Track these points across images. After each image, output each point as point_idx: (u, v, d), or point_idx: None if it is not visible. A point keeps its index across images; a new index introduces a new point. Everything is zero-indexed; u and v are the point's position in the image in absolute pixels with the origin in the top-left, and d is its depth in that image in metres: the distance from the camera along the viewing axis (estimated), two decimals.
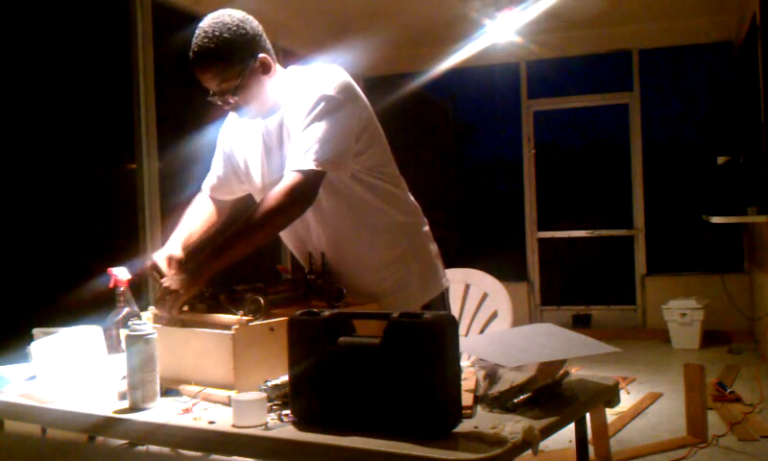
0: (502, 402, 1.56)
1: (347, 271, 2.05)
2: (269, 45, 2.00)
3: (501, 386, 1.63)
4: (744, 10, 6.10)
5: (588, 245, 7.87)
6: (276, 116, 2.02)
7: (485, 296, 2.69)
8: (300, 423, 1.50)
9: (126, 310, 1.96)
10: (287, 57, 6.10)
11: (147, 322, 1.78)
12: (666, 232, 7.50)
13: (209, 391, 1.71)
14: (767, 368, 5.44)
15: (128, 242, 4.66)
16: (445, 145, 8.93)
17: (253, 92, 1.97)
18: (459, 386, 1.45)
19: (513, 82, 7.66)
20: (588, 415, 1.78)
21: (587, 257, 8.02)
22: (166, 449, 1.66)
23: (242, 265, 1.91)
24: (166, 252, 1.99)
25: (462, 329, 2.61)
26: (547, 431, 1.47)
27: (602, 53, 7.52)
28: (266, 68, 1.97)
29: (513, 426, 1.38)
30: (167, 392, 1.76)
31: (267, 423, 1.50)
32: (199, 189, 2.28)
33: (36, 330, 1.97)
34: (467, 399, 1.56)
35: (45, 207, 4.14)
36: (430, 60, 7.29)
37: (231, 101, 1.96)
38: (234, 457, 1.63)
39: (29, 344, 1.87)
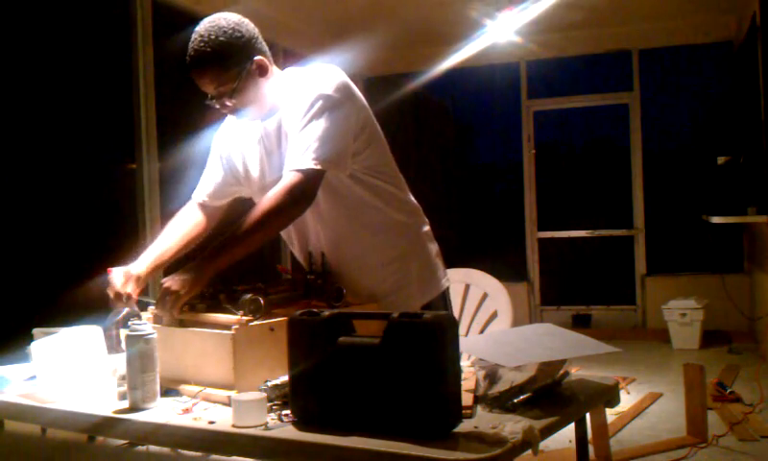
0: (502, 402, 1.56)
1: (346, 271, 2.05)
2: (265, 48, 2.00)
3: (501, 386, 1.63)
4: (744, 10, 6.10)
5: (588, 245, 7.88)
6: (275, 118, 2.02)
7: (485, 296, 2.69)
8: (300, 423, 1.50)
9: (126, 310, 1.96)
10: (287, 57, 6.10)
11: (147, 322, 1.78)
12: (666, 232, 7.50)
13: (209, 391, 1.71)
14: (767, 368, 5.44)
15: (128, 242, 4.66)
16: (445, 145, 8.93)
17: (251, 95, 1.97)
18: (459, 386, 1.45)
19: (513, 82, 7.66)
20: (588, 415, 1.78)
21: (587, 257, 8.03)
22: (166, 449, 1.66)
23: (242, 265, 1.91)
24: (127, 268, 2.00)
25: (462, 329, 2.61)
26: (547, 431, 1.47)
27: (602, 53, 7.52)
28: (263, 71, 1.97)
29: (513, 426, 1.38)
30: (167, 392, 1.76)
31: (267, 423, 1.50)
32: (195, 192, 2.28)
33: (36, 330, 1.97)
34: (467, 399, 1.56)
35: (45, 207, 4.14)
36: (430, 60, 7.29)
37: (229, 104, 1.97)
38: (234, 457, 1.63)
39: (29, 344, 1.87)
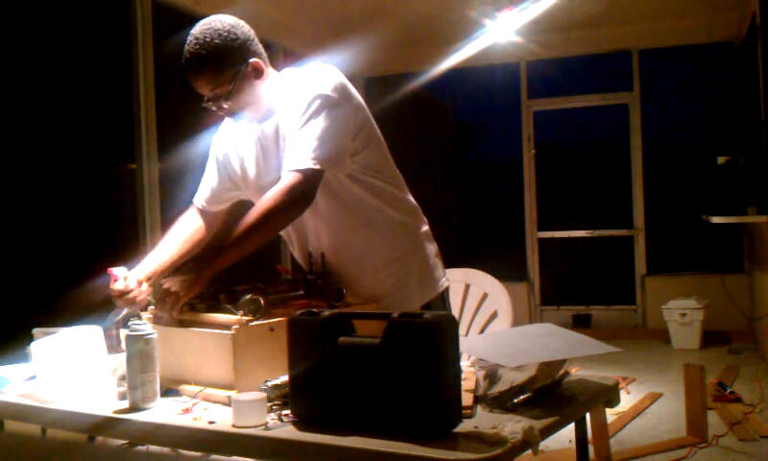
0: (502, 402, 1.56)
1: (346, 271, 2.05)
2: (261, 49, 2.00)
3: (501, 386, 1.63)
4: (744, 10, 6.10)
5: (587, 245, 7.87)
6: (272, 119, 2.02)
7: (485, 296, 2.69)
8: (300, 423, 1.50)
9: (126, 310, 1.96)
10: (287, 57, 6.10)
11: (147, 322, 1.78)
12: (666, 232, 7.50)
13: (209, 391, 1.71)
14: (767, 368, 5.44)
15: (128, 242, 4.66)
16: (445, 145, 8.92)
17: (247, 97, 1.97)
18: (459, 386, 1.45)
19: (513, 82, 7.66)
20: (588, 415, 1.78)
21: (587, 257, 8.02)
22: (166, 449, 1.66)
23: (242, 265, 1.91)
24: (128, 272, 1.99)
25: (462, 329, 2.61)
26: (547, 431, 1.47)
27: (602, 53, 7.52)
28: (258, 73, 1.97)
29: (513, 426, 1.38)
30: (167, 392, 1.76)
31: (267, 423, 1.50)
32: (195, 194, 2.28)
33: (36, 330, 1.97)
34: (467, 399, 1.56)
35: (45, 207, 4.14)
36: (430, 60, 7.29)
37: (225, 106, 1.97)
38: (234, 457, 1.63)
39: (29, 344, 1.87)
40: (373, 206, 2.05)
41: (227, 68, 1.92)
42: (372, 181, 2.04)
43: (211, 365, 1.73)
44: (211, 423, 1.55)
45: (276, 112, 2.01)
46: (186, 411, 1.63)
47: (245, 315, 1.71)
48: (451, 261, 2.31)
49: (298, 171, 1.87)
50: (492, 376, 1.69)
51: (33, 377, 1.91)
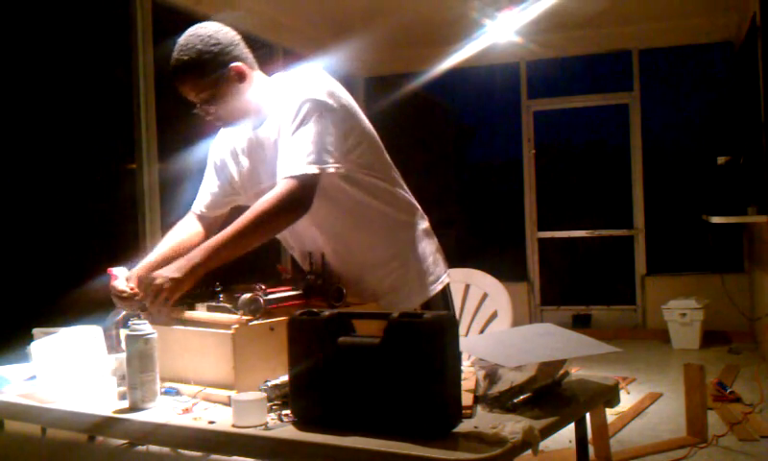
0: (502, 402, 1.56)
1: (345, 271, 2.05)
2: (245, 54, 2.02)
3: (501, 386, 1.63)
4: (744, 10, 6.10)
5: (587, 245, 7.88)
6: (265, 125, 2.02)
7: (485, 296, 2.69)
8: (300, 423, 1.50)
9: (126, 310, 1.95)
10: (287, 57, 6.11)
11: (146, 322, 1.78)
12: (666, 233, 7.50)
13: (209, 391, 1.71)
14: (767, 368, 5.44)
15: (127, 242, 4.66)
16: (445, 145, 8.93)
17: (232, 102, 1.99)
18: (459, 386, 1.45)
19: (513, 82, 7.66)
20: (588, 415, 1.78)
21: (587, 257, 8.02)
22: (166, 449, 1.66)
23: (242, 265, 1.90)
24: (128, 271, 1.99)
25: (462, 329, 2.61)
26: (547, 431, 1.46)
27: (602, 53, 7.52)
28: (241, 77, 1.98)
29: (513, 426, 1.38)
30: (167, 392, 1.76)
31: (267, 423, 1.50)
32: (195, 196, 2.28)
33: (36, 330, 1.97)
34: (467, 399, 1.56)
35: (45, 207, 4.14)
36: (430, 60, 7.29)
37: (212, 111, 1.99)
38: (234, 457, 1.63)
39: (29, 344, 1.87)
40: (370, 205, 2.05)
41: (208, 73, 1.94)
42: (366, 180, 2.04)
43: (211, 365, 1.73)
44: (211, 423, 1.55)
45: (267, 118, 2.02)
46: (186, 411, 1.63)
47: (245, 315, 1.71)
48: (451, 261, 2.31)
49: (293, 177, 1.87)
50: (492, 376, 1.69)
51: (33, 377, 1.91)
